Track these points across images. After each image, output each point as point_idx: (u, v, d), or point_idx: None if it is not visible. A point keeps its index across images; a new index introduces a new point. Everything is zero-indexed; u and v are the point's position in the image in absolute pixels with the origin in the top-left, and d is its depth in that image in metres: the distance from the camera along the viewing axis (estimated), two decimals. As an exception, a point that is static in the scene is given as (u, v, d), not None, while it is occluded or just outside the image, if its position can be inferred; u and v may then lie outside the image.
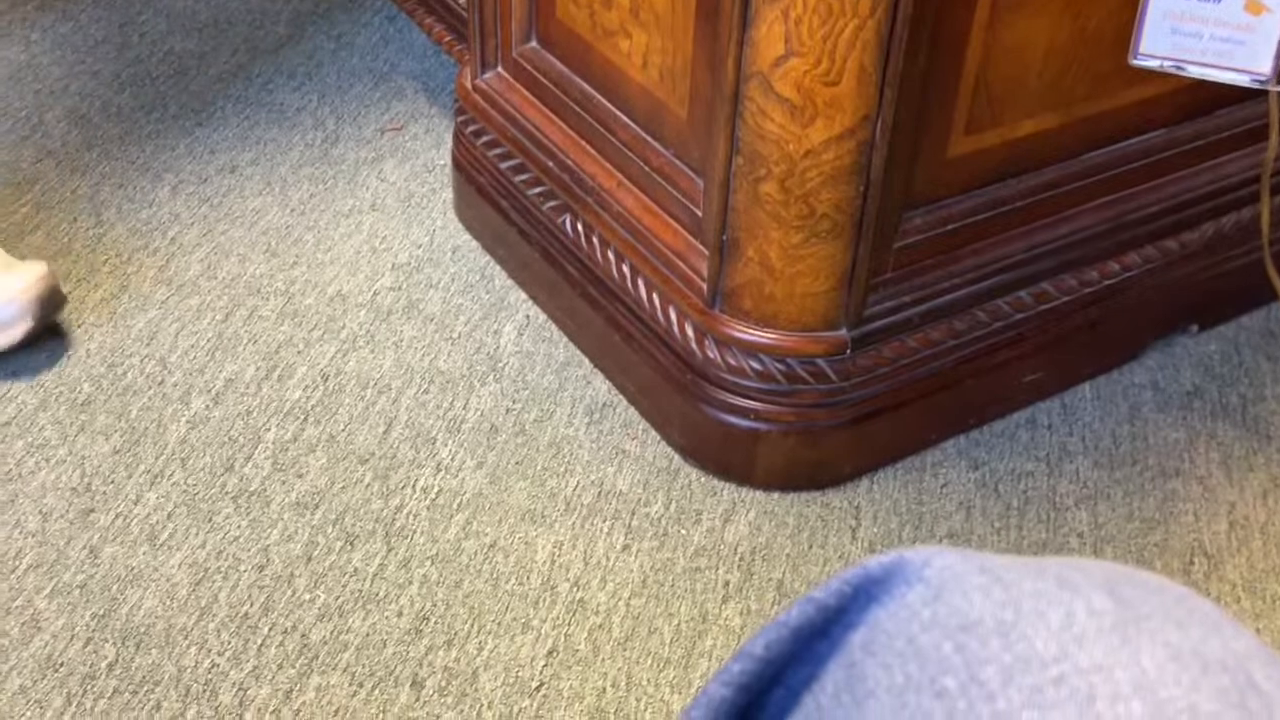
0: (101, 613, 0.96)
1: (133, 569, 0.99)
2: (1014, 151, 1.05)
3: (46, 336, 1.18)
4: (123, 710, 0.90)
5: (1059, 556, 0.37)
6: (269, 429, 1.12)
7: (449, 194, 1.38)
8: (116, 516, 1.03)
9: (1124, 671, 0.31)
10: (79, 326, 1.20)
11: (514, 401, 1.16)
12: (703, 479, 1.10)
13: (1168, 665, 0.31)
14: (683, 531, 1.06)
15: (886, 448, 1.12)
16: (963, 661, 0.32)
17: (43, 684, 0.91)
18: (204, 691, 0.91)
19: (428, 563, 1.02)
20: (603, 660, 0.96)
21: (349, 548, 1.02)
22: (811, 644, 0.37)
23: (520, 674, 0.94)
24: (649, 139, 1.08)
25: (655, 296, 1.10)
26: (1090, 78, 1.04)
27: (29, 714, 0.89)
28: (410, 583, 1.00)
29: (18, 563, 0.99)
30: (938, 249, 1.05)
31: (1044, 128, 1.05)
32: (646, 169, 1.08)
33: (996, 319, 1.11)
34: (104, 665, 0.92)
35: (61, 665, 0.92)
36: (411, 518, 1.05)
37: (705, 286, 1.04)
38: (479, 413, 1.15)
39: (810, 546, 1.05)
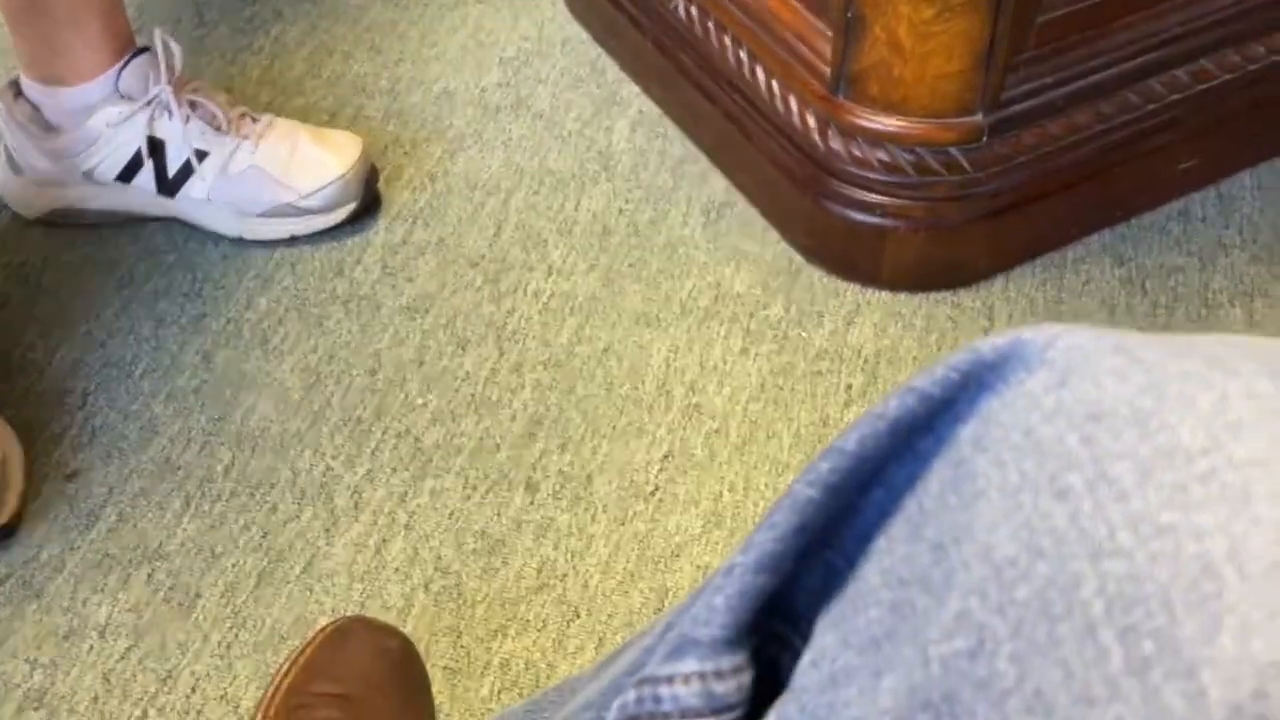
0: (217, 417, 0.96)
1: (245, 374, 0.98)
2: (1177, -92, 0.93)
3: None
4: (240, 512, 0.90)
5: (1211, 334, 0.31)
6: (378, 232, 1.09)
7: (556, -17, 1.30)
8: (228, 321, 1.02)
9: None
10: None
11: (627, 201, 1.11)
12: (825, 280, 1.05)
13: None
14: (803, 334, 1.01)
15: (1024, 243, 1.04)
16: (1090, 456, 0.27)
17: (162, 487, 0.91)
18: (319, 494, 0.91)
19: (540, 367, 0.99)
20: (719, 465, 0.93)
21: (460, 352, 1.00)
22: (913, 440, 0.33)
23: (635, 478, 0.92)
24: (767, -91, 0.99)
25: (775, 84, 1.02)
26: None
27: (150, 515, 0.90)
28: (523, 387, 0.98)
29: (133, 368, 0.99)
30: (1084, 23, 0.95)
31: (1213, -121, 0.93)
32: (764, -57, 1.00)
33: (1149, 101, 1.02)
34: (220, 469, 0.92)
35: (179, 468, 0.93)
36: (523, 321, 1.02)
37: (828, 71, 0.96)
38: (591, 213, 1.10)
39: (940, 349, 1.00)
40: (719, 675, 0.34)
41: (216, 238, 1.08)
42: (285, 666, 0.74)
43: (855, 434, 0.33)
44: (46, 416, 0.95)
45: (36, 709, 0.80)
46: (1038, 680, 0.26)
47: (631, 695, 0.36)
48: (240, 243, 1.07)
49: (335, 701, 0.71)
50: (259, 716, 0.72)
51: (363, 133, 1.16)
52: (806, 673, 0.33)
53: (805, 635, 0.35)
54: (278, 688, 0.73)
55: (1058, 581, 0.26)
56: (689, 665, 0.34)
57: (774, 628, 0.37)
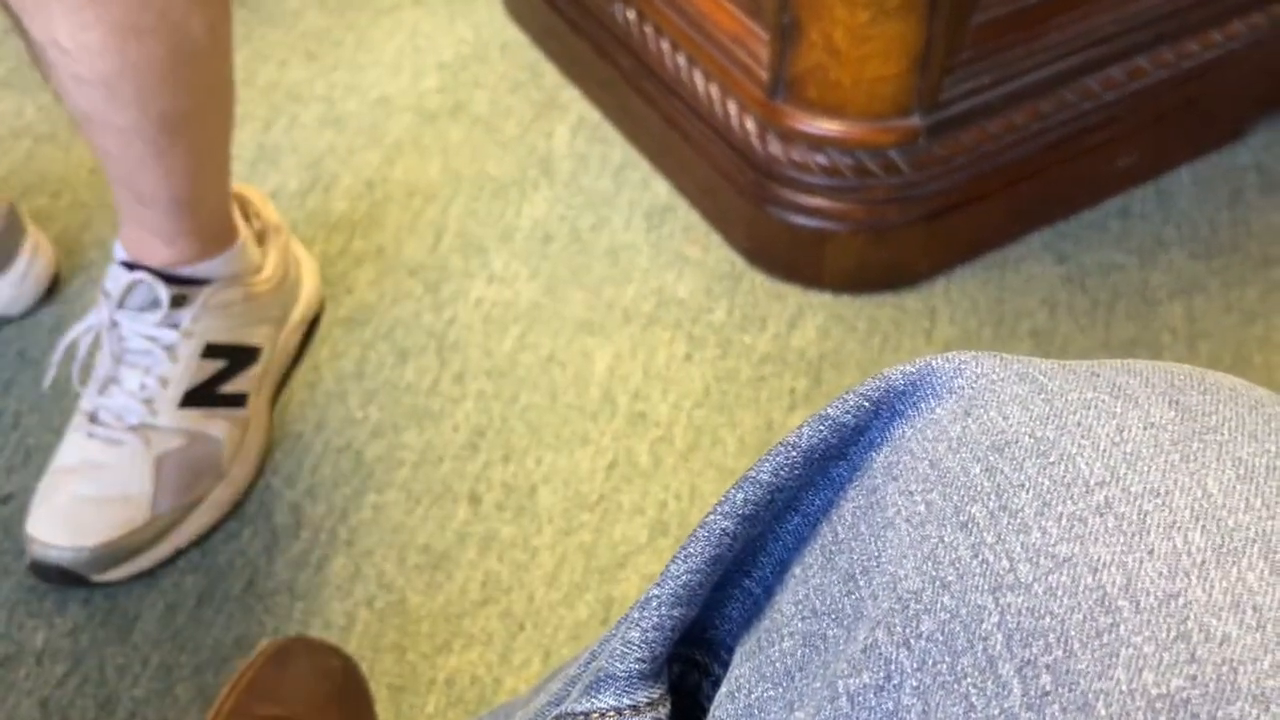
0: (153, 435, 0.94)
1: (182, 390, 0.97)
2: (1109, -91, 0.94)
3: (85, 152, 1.14)
4: (179, 532, 0.88)
5: (1120, 359, 0.31)
6: (314, 242, 1.08)
7: (494, -14, 1.29)
8: (164, 337, 1.00)
9: (1183, 496, 0.26)
10: (117, 142, 1.15)
11: (568, 207, 1.11)
12: (768, 283, 1.04)
13: (1237, 487, 0.26)
14: (747, 339, 1.01)
15: (964, 244, 1.05)
16: (993, 487, 0.27)
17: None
18: (259, 512, 0.90)
19: (483, 377, 0.98)
20: (665, 473, 0.92)
21: (401, 363, 0.99)
22: (828, 467, 0.33)
23: (580, 488, 0.91)
24: (702, -87, 0.99)
25: (713, 89, 1.02)
26: None
27: (86, 537, 0.88)
28: (465, 398, 0.97)
29: (67, 387, 0.97)
30: (1020, 23, 0.96)
31: (1143, -120, 0.94)
32: (700, -53, 0.99)
33: (1085, 99, 1.02)
34: (158, 488, 0.91)
35: (116, 488, 0.91)
36: (465, 330, 1.01)
37: (766, 75, 0.96)
38: (532, 220, 1.10)
39: (883, 351, 1.00)
40: (635, 710, 0.34)
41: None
42: (226, 690, 0.73)
43: (769, 463, 0.33)
44: (-22, 438, 0.93)
45: (-29, 739, 0.79)
46: (941, 716, 0.26)
47: None
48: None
49: None
50: None
51: (299, 140, 1.15)
52: (724, 704, 0.33)
53: (725, 663, 0.35)
54: (218, 711, 0.72)
55: (960, 615, 0.26)
56: (606, 700, 0.34)
57: (694, 656, 0.37)
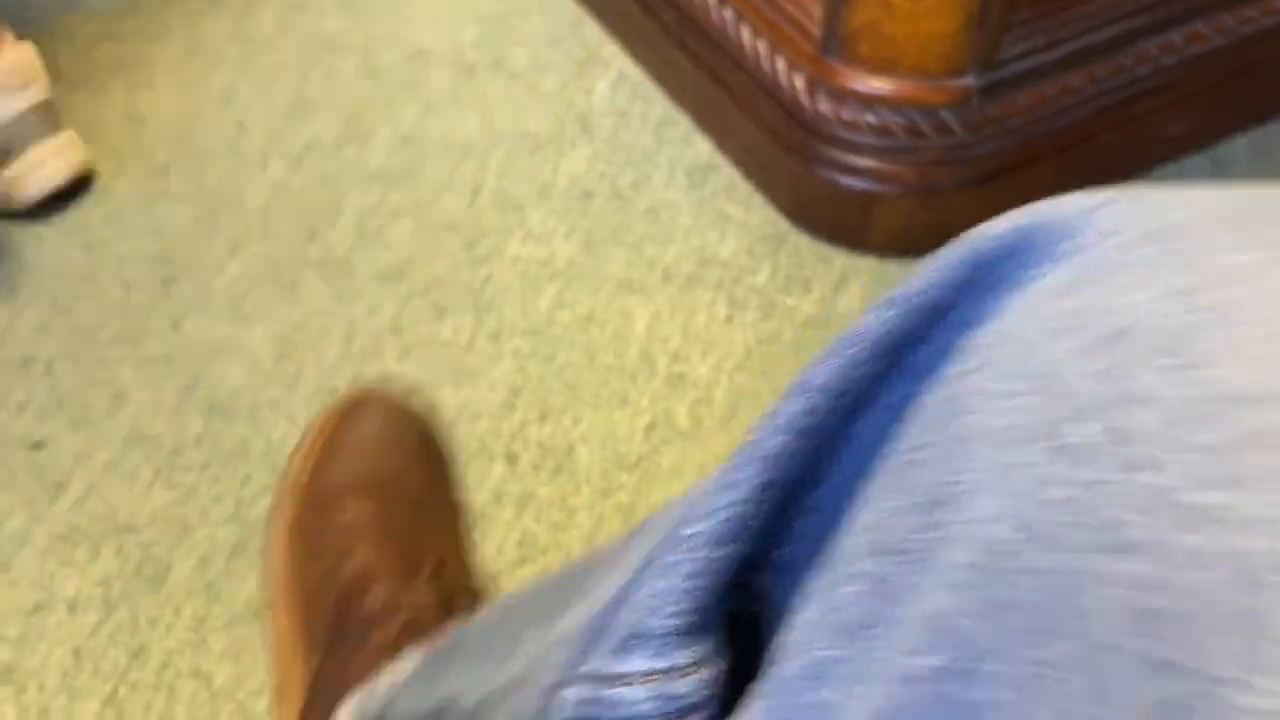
0: (187, 385, 0.93)
1: (216, 341, 0.96)
2: None
3: (122, 100, 1.12)
4: (212, 483, 0.87)
5: None
6: (351, 195, 1.06)
7: (535, -61, 1.27)
8: (198, 286, 0.99)
9: None
10: (151, 88, 1.14)
11: (608, 164, 1.09)
12: (813, 245, 1.02)
13: None
14: (790, 301, 0.99)
15: (1014, 207, 1.02)
16: (1107, 396, 0.20)
17: (131, 457, 0.89)
18: (294, 465, 0.88)
19: (519, 335, 0.97)
20: (704, 435, 0.91)
21: (438, 319, 0.97)
22: (902, 356, 0.26)
23: (618, 448, 0.90)
24: None
25: (761, 45, 1.00)
26: None
27: (119, 487, 0.87)
28: (502, 356, 0.95)
29: (100, 334, 0.96)
30: (1080, -17, 0.93)
31: None
32: (751, -102, 0.97)
33: (1142, 64, 1.00)
34: (191, 439, 0.90)
35: (149, 438, 0.90)
36: (502, 288, 1.00)
37: (817, 31, 0.94)
38: (570, 177, 1.08)
39: (928, 316, 0.98)
40: (672, 674, 0.29)
41: (185, 197, 1.05)
42: (298, 460, 0.66)
43: (830, 364, 0.27)
44: (10, 385, 0.92)
45: (5, 684, 0.78)
46: None
47: (571, 694, 0.31)
48: (211, 206, 1.04)
49: (363, 492, 0.64)
50: (282, 527, 0.65)
51: (336, 91, 1.13)
52: (783, 655, 0.27)
53: (791, 592, 0.29)
54: (293, 484, 0.65)
55: (1058, 582, 0.19)
56: (637, 663, 0.29)
57: (752, 582, 0.30)
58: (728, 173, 1.08)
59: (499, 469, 0.89)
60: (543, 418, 0.92)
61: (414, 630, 0.60)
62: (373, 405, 0.68)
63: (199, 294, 0.98)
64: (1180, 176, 1.08)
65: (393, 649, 0.58)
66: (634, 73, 1.15)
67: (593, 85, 1.15)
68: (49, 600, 0.82)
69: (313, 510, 0.64)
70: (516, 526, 0.86)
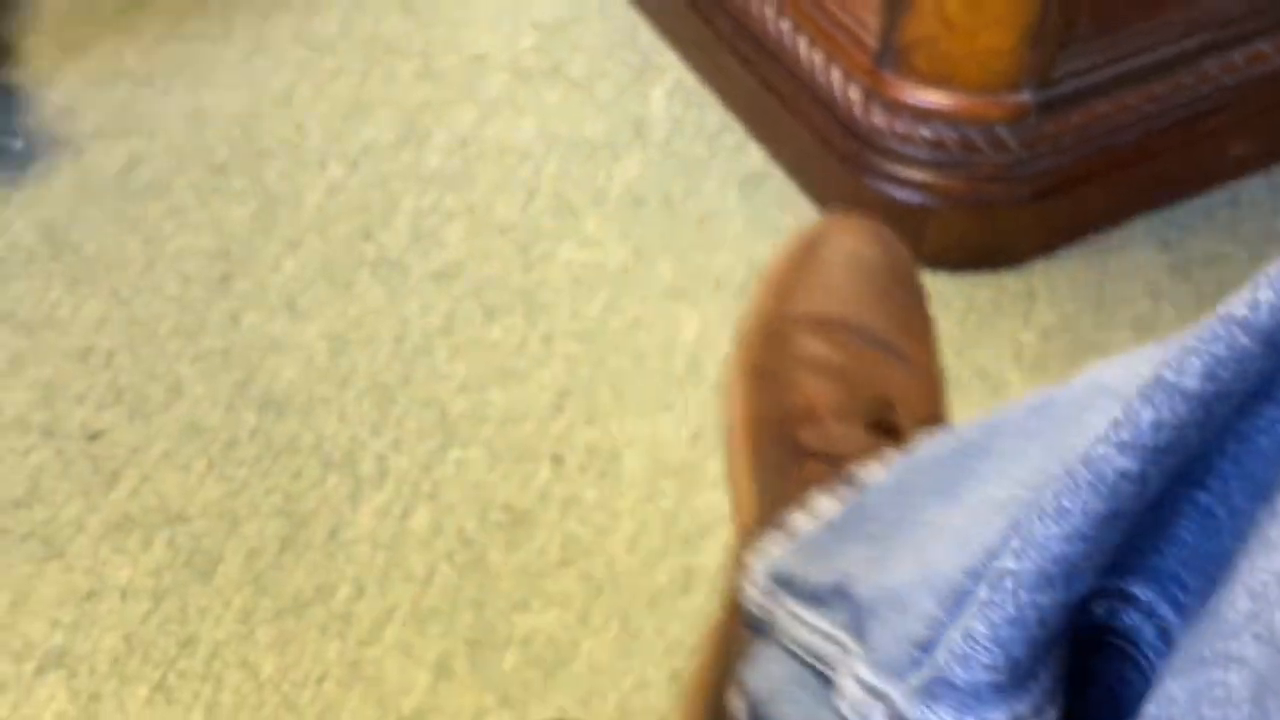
0: (242, 379, 0.94)
1: (272, 337, 0.97)
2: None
3: (186, 99, 1.14)
4: (263, 477, 0.89)
5: None
6: (407, 196, 1.07)
7: (595, -54, 1.28)
8: (255, 283, 1.01)
9: None
10: (213, 87, 1.16)
11: (661, 171, 1.09)
12: (862, 256, 1.02)
13: None
14: (839, 312, 0.99)
15: (1068, 226, 1.02)
16: None
17: (185, 449, 0.90)
18: (344, 460, 0.90)
19: (569, 338, 0.97)
20: (751, 444, 0.91)
21: (489, 321, 0.98)
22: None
23: (663, 454, 0.90)
24: (815, -125, 0.97)
25: (817, 56, 1.00)
26: None
27: (173, 478, 0.89)
28: (551, 358, 0.96)
29: (159, 327, 0.98)
30: (1139, 0, 0.93)
31: None
32: (811, -90, 0.97)
33: (1202, 83, 0.99)
34: (245, 432, 0.91)
35: (204, 431, 0.91)
36: (553, 292, 1.00)
37: (874, 43, 0.94)
38: (624, 183, 1.08)
39: (979, 330, 0.98)
40: None
41: (244, 195, 1.06)
42: (759, 296, 0.62)
43: (1200, 360, 0.22)
44: (70, 375, 0.94)
45: (58, 668, 0.80)
46: None
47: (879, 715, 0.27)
48: (269, 205, 1.06)
49: (820, 325, 0.59)
50: (741, 355, 0.60)
51: (394, 94, 1.15)
52: (1171, 701, 0.21)
53: (1177, 602, 0.24)
54: (755, 327, 0.61)
55: None
56: (943, 712, 0.25)
57: (1127, 589, 0.26)
58: (780, 182, 1.08)
59: (544, 471, 0.89)
60: (590, 421, 0.92)
61: (843, 472, 0.55)
62: (845, 233, 0.62)
63: (256, 290, 1.00)
64: (1237, 199, 1.07)
65: (820, 487, 0.54)
66: (689, 80, 1.16)
67: (648, 92, 1.16)
68: (101, 588, 0.83)
69: (769, 340, 0.60)
70: (560, 528, 0.86)
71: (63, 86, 1.15)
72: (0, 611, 0.82)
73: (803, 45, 1.01)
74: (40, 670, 0.79)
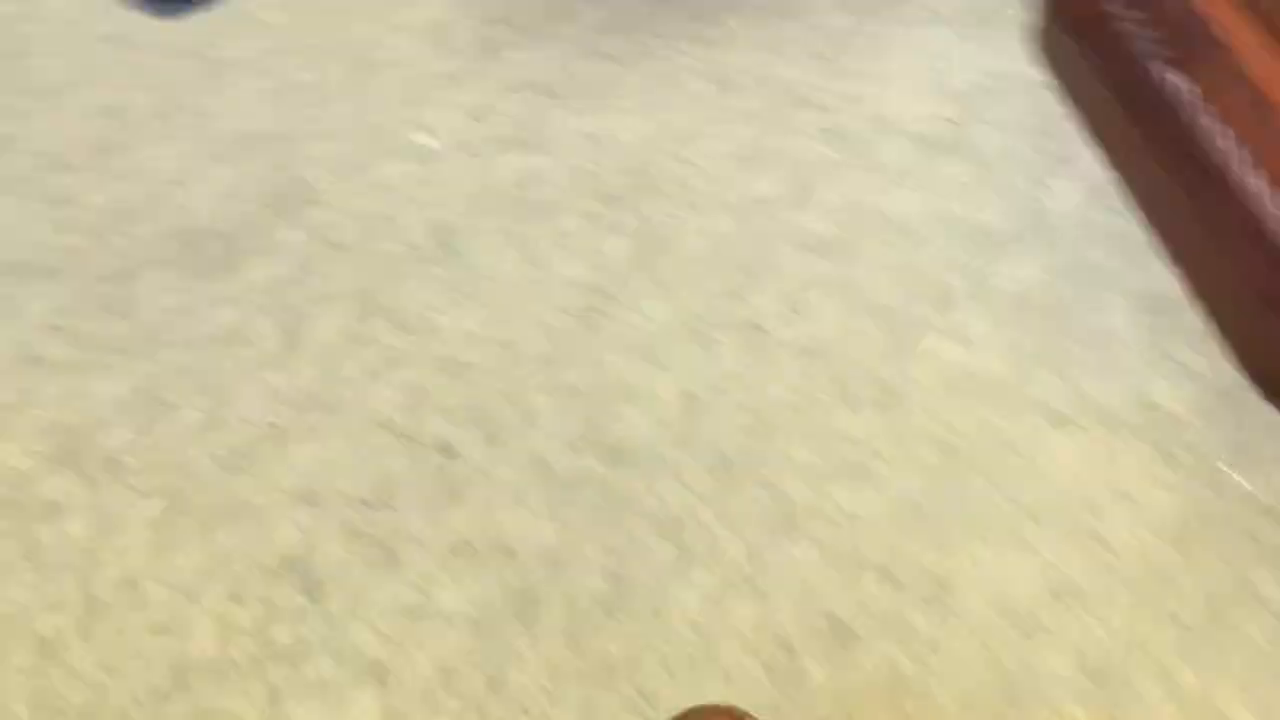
0: (592, 421, 0.94)
1: (627, 383, 0.97)
2: None
3: (589, 120, 1.15)
4: (597, 527, 0.88)
5: None
6: (783, 258, 1.04)
7: (1030, 16, 1.20)
8: (621, 323, 1.01)
9: None
10: (616, 112, 1.16)
11: (1058, 275, 1.01)
12: (1275, 416, 0.91)
13: None
14: (1236, 476, 0.89)
15: None
16: None
17: (528, 481, 0.91)
18: (675, 528, 0.88)
19: (927, 444, 0.92)
20: (1101, 603, 0.83)
21: (845, 408, 0.94)
22: None
23: (1006, 594, 0.84)
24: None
25: (1261, 181, 0.89)
26: None
27: (512, 509, 0.90)
28: (905, 462, 0.91)
29: (524, 350, 0.99)
30: None
31: None
32: (1292, 29, 0.87)
33: None
34: (587, 478, 0.91)
35: (548, 468, 0.92)
36: (918, 389, 0.95)
37: (1337, 190, 0.83)
38: (1013, 280, 1.01)
39: (1398, 531, 0.85)
40: None
41: (627, 230, 1.06)
42: None
43: None
44: (435, 383, 0.97)
45: (376, 682, 0.82)
46: None
47: None
48: (648, 244, 1.05)
49: None
50: None
51: (791, 147, 1.12)
52: None
53: None
54: None
55: None
56: None
57: None
58: (1191, 314, 0.98)
59: (872, 584, 0.85)
60: (932, 540, 0.87)
61: None
62: None
63: (620, 331, 1.00)
64: None
65: None
66: (1103, 180, 1.07)
67: (1058, 186, 1.08)
68: (427, 607, 0.85)
69: None
70: (880, 650, 0.82)
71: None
72: (336, 610, 0.85)
73: (1248, 168, 0.91)
74: (357, 681, 0.82)
